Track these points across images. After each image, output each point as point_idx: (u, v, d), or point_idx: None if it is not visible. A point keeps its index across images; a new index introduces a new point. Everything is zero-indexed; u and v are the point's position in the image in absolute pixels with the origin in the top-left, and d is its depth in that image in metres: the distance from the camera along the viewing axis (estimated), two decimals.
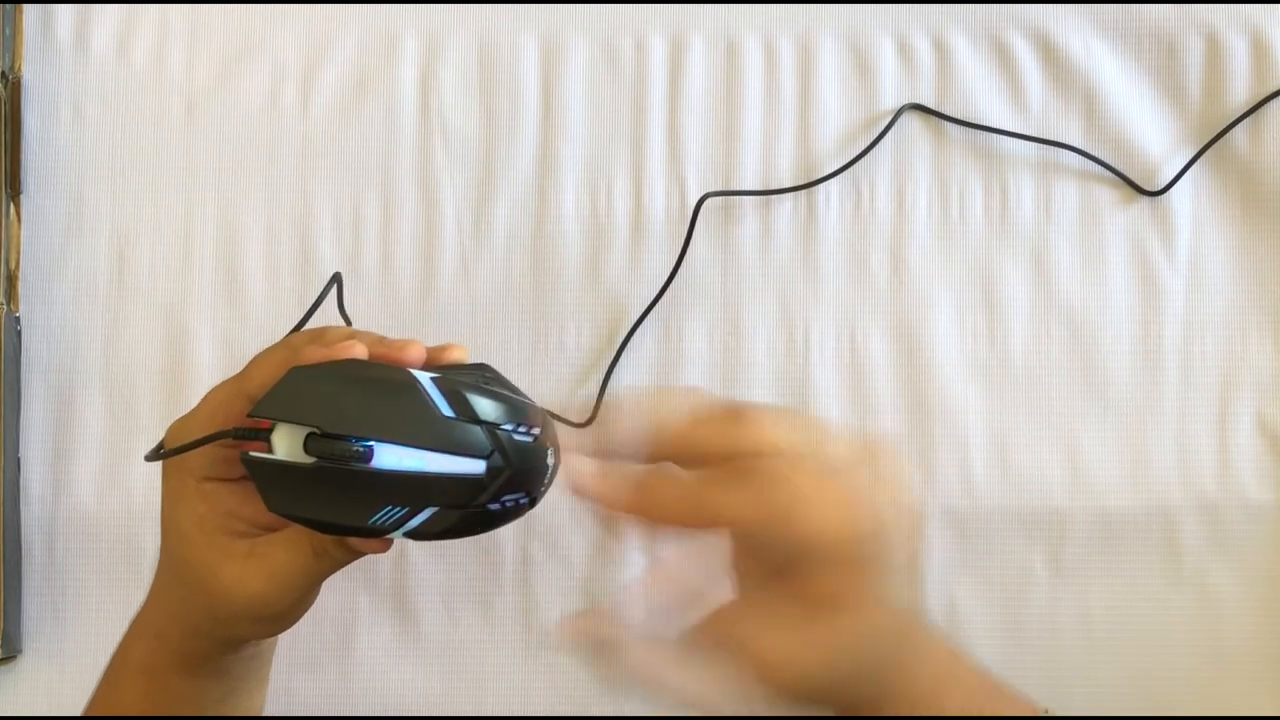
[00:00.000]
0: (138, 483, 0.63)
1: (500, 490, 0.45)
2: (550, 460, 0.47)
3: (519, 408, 0.46)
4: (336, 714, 0.62)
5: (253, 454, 0.45)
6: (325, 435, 0.44)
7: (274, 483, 0.45)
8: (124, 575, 0.63)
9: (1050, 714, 0.58)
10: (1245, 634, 0.62)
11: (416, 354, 0.47)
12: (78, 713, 0.62)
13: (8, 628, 0.61)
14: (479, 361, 0.49)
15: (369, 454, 0.44)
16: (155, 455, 0.47)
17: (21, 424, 0.63)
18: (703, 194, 0.63)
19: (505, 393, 0.47)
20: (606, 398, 0.63)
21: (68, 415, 0.64)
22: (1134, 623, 0.62)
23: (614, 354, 0.63)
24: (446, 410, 0.44)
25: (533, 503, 0.47)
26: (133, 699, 0.51)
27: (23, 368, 0.64)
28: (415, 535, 0.45)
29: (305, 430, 0.44)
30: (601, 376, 0.63)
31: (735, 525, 0.42)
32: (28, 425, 0.63)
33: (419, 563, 0.62)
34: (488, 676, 0.62)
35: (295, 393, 0.45)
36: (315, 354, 0.46)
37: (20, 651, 0.63)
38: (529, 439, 0.46)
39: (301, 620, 0.50)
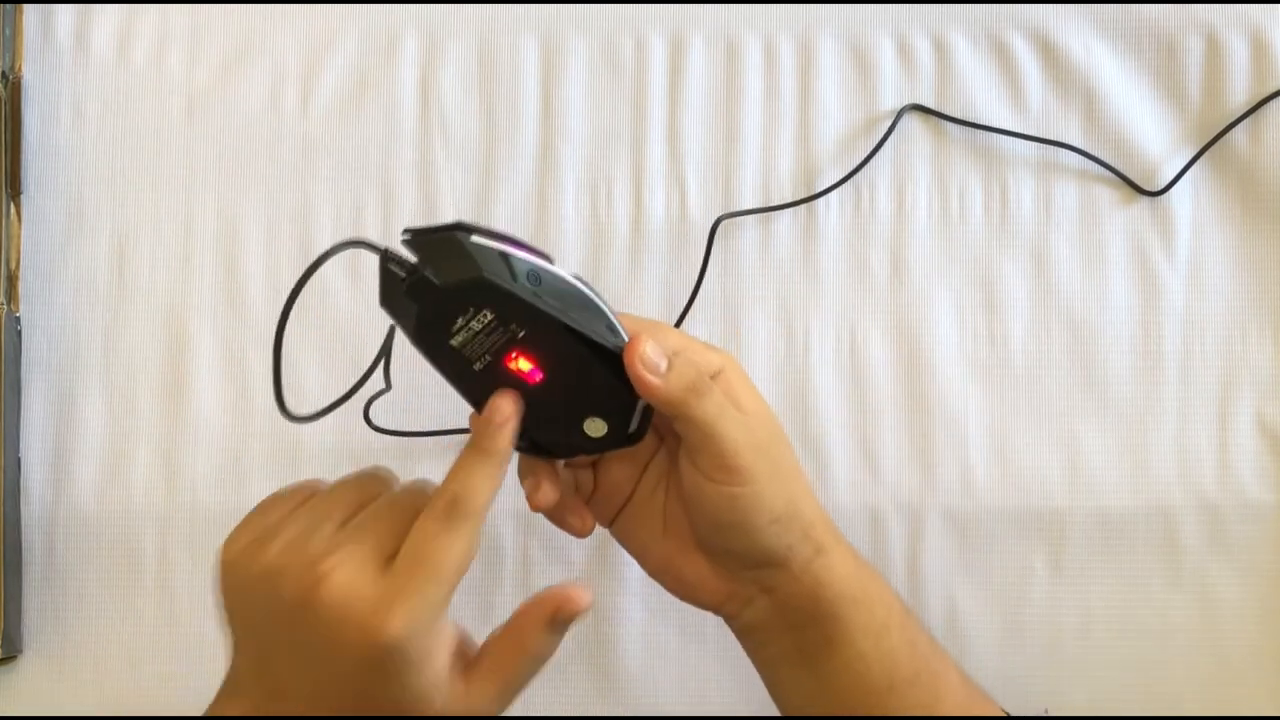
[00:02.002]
0: (138, 483, 0.63)
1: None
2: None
3: None
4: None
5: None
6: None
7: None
8: (124, 575, 0.63)
9: (1050, 714, 0.58)
10: (1245, 634, 0.62)
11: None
12: (78, 713, 0.62)
13: (8, 628, 0.61)
14: None
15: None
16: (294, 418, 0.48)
17: (21, 424, 0.63)
18: (714, 215, 0.63)
19: None
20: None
21: (68, 415, 0.64)
22: (1134, 623, 0.62)
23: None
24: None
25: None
26: None
27: (23, 368, 0.64)
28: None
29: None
30: None
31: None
32: (28, 425, 0.64)
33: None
34: None
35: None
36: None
37: (20, 651, 0.63)
38: None
39: None
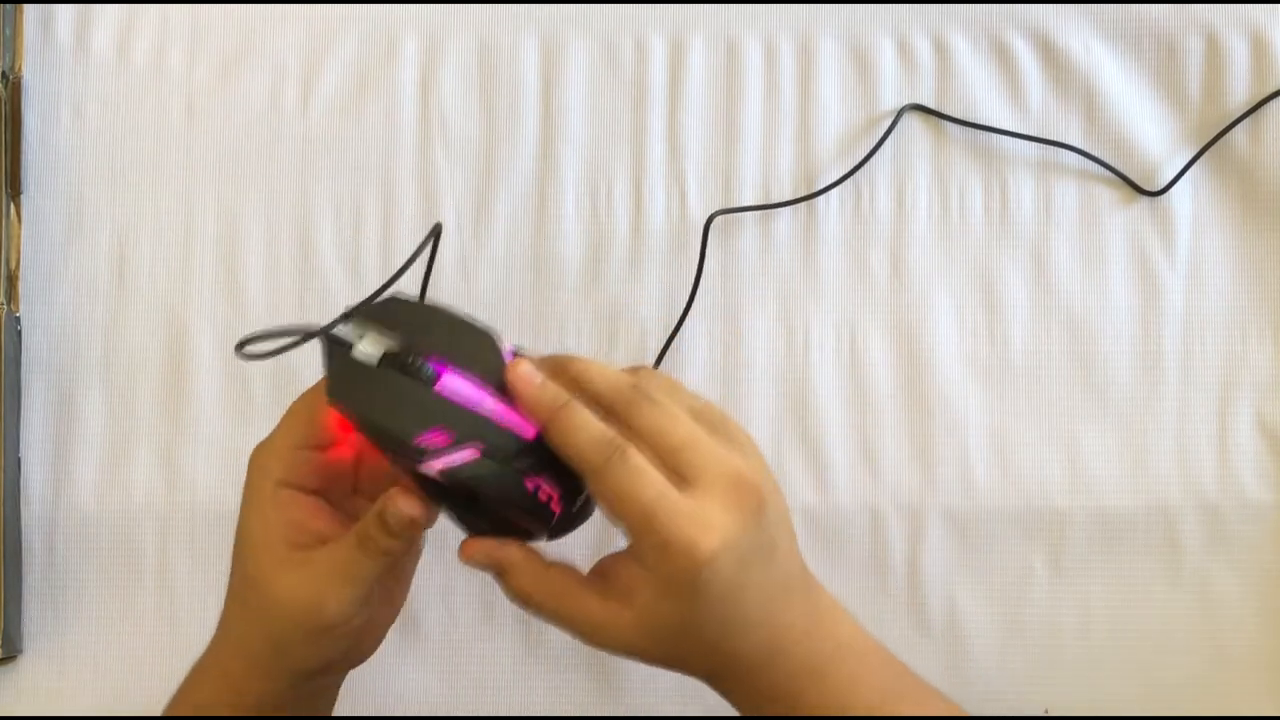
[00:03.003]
0: (138, 483, 0.63)
1: (541, 468, 0.46)
2: (588, 490, 0.47)
3: None
4: (337, 714, 0.62)
5: (335, 340, 0.47)
6: (402, 351, 0.46)
7: (346, 374, 0.47)
8: (124, 575, 0.63)
9: (1050, 714, 0.58)
10: (1245, 634, 0.62)
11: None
12: (78, 713, 0.62)
13: (8, 628, 0.61)
14: None
15: (436, 377, 0.46)
16: (246, 344, 0.47)
17: (21, 424, 0.63)
18: (711, 212, 0.63)
19: None
20: None
21: (68, 415, 0.64)
22: (1134, 623, 0.62)
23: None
24: None
25: (560, 523, 0.48)
26: None
27: (23, 368, 0.64)
28: (451, 475, 0.46)
29: (387, 343, 0.47)
30: None
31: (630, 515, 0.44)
32: (28, 425, 0.63)
33: (419, 562, 0.62)
34: (488, 676, 0.62)
35: (387, 311, 0.48)
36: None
37: (20, 651, 0.63)
38: None
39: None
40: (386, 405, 0.46)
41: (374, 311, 0.47)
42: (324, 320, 0.47)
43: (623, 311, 0.64)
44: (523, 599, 0.46)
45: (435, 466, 0.46)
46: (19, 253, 0.64)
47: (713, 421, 0.47)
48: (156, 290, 0.64)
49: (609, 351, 0.63)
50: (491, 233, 0.64)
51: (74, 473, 0.63)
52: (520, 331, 0.63)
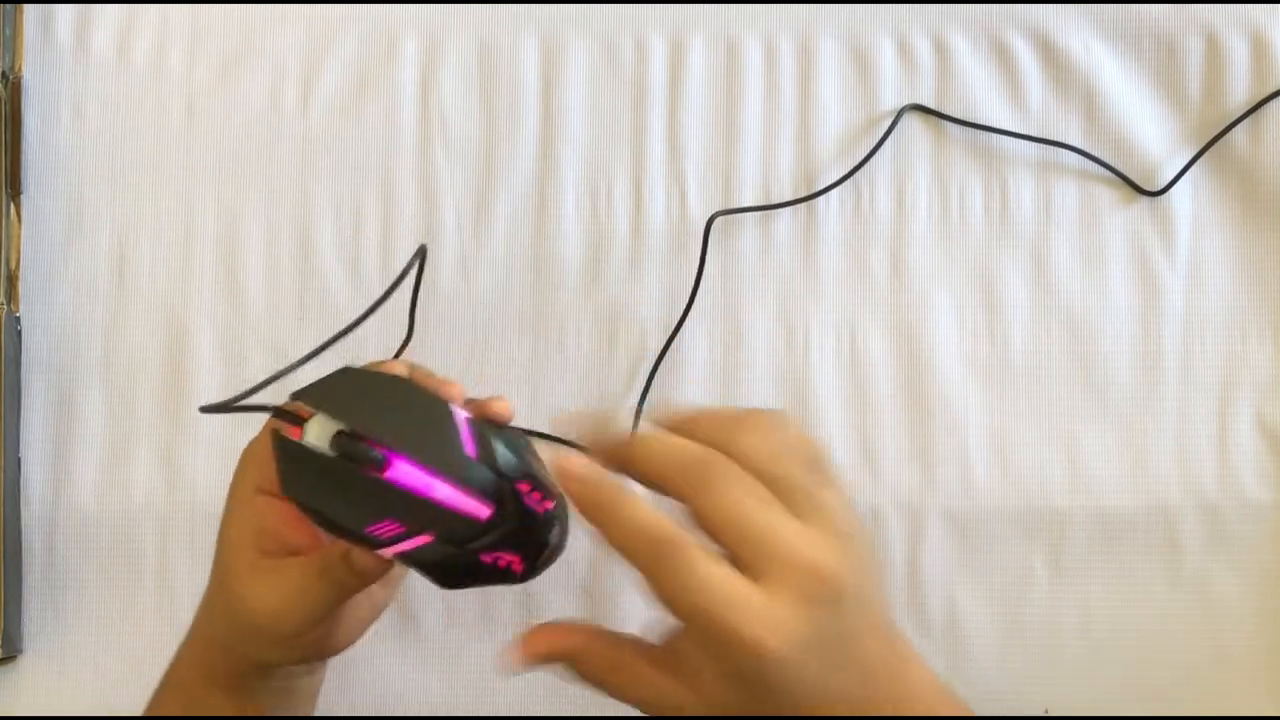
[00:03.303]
0: (138, 483, 0.63)
1: (496, 543, 0.46)
2: (554, 539, 0.48)
3: (538, 476, 0.47)
4: (337, 714, 0.62)
5: (282, 434, 0.46)
6: (353, 435, 0.45)
7: (294, 466, 0.46)
8: (124, 575, 0.63)
9: (1050, 714, 0.58)
10: (1245, 634, 0.62)
11: (454, 393, 0.48)
12: (78, 713, 0.62)
13: (8, 628, 0.61)
14: (520, 427, 0.50)
15: (385, 464, 0.45)
16: (207, 409, 0.48)
17: (21, 424, 0.63)
18: (711, 213, 0.63)
19: (530, 459, 0.48)
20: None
21: (68, 415, 0.64)
22: (1134, 623, 0.62)
23: (643, 387, 0.63)
24: (470, 449, 0.46)
25: (525, 574, 0.47)
26: (168, 710, 0.53)
27: (23, 368, 0.64)
28: (407, 560, 0.46)
29: (337, 426, 0.45)
30: (601, 383, 0.63)
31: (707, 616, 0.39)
32: (28, 425, 0.63)
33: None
34: (488, 676, 0.62)
35: (338, 389, 0.46)
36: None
37: (20, 651, 0.63)
38: (539, 509, 0.47)
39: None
40: (336, 496, 0.45)
41: (325, 389, 0.46)
42: (324, 319, 0.47)
43: (623, 311, 0.64)
44: (596, 683, 0.43)
45: (388, 553, 0.46)
46: (19, 253, 0.64)
47: (793, 485, 0.42)
48: (156, 290, 0.64)
49: (609, 351, 0.63)
50: (491, 233, 0.64)
51: (74, 473, 0.63)
52: (520, 331, 0.63)
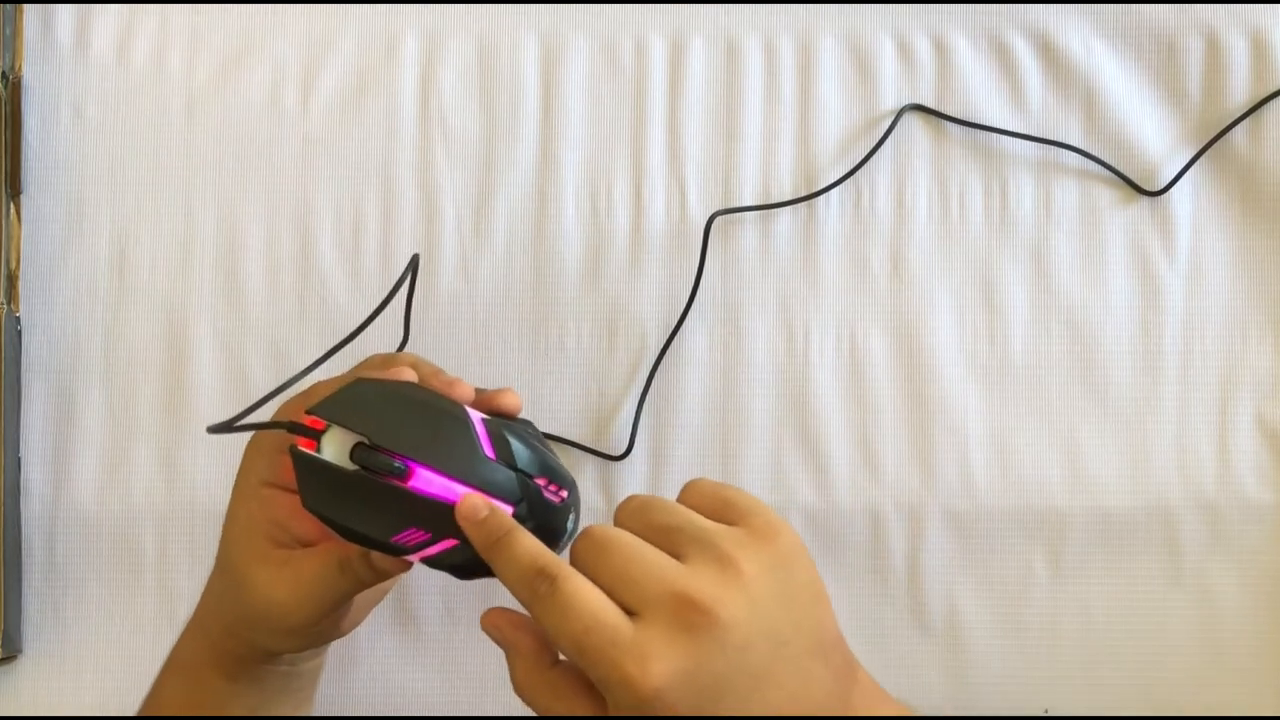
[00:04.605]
0: (138, 483, 0.63)
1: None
2: (570, 525, 0.49)
3: (554, 468, 0.48)
4: (336, 714, 0.62)
5: (300, 449, 0.46)
6: (372, 447, 0.45)
7: (313, 480, 0.46)
8: (124, 575, 0.63)
9: (1050, 714, 0.58)
10: (1245, 634, 0.62)
11: (463, 392, 0.48)
12: (78, 713, 0.62)
13: (8, 628, 0.61)
14: (525, 418, 0.51)
15: (408, 473, 0.45)
16: (214, 428, 0.47)
17: (21, 424, 0.63)
18: (711, 212, 0.63)
19: (544, 450, 0.49)
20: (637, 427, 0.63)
21: (68, 415, 0.64)
22: (1134, 623, 0.62)
23: (643, 386, 0.63)
24: (488, 451, 0.46)
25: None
26: (171, 694, 0.53)
27: (23, 368, 0.64)
28: (431, 563, 0.46)
29: (355, 438, 0.45)
30: (601, 383, 0.63)
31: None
32: (28, 425, 0.63)
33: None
34: (488, 676, 0.62)
35: (354, 401, 0.46)
36: (376, 374, 0.48)
37: (20, 651, 0.63)
38: (556, 499, 0.48)
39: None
40: (359, 508, 0.45)
41: (340, 402, 0.46)
42: (323, 319, 0.47)
43: (623, 311, 0.64)
44: (517, 688, 0.44)
45: (414, 559, 0.46)
46: (19, 253, 0.64)
47: (677, 529, 0.42)
48: (156, 290, 0.64)
49: (609, 351, 0.63)
50: (491, 233, 0.64)
51: (74, 473, 0.63)
52: (520, 331, 0.63)
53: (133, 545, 0.63)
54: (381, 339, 0.61)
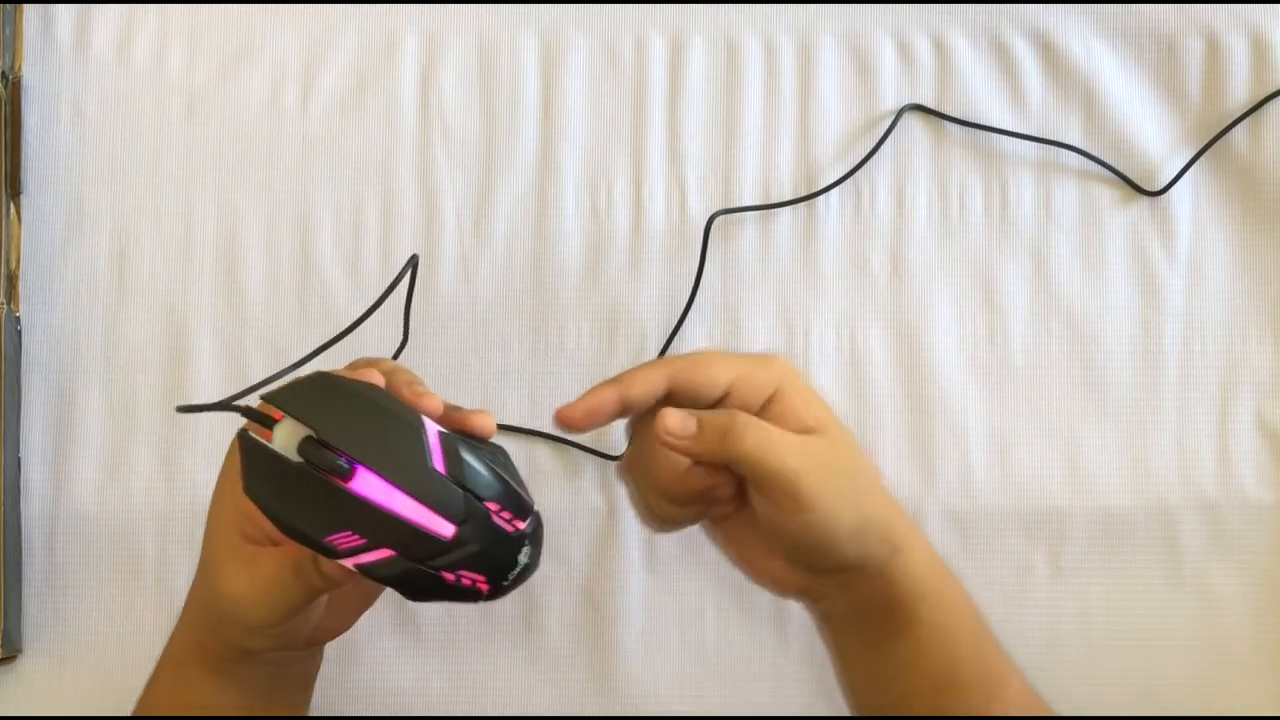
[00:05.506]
0: (138, 483, 0.63)
1: (460, 563, 0.45)
2: (524, 559, 0.47)
3: (512, 496, 0.46)
4: (336, 714, 0.62)
5: (249, 433, 0.46)
6: (320, 442, 0.44)
7: (258, 467, 0.46)
8: (124, 575, 0.63)
9: (1050, 714, 0.58)
10: (1245, 634, 0.62)
11: (430, 405, 0.47)
12: (78, 713, 0.62)
13: (8, 628, 0.61)
14: (499, 444, 0.49)
15: (350, 474, 0.44)
16: (183, 409, 0.47)
17: (21, 424, 0.63)
18: (711, 212, 0.63)
19: (506, 478, 0.47)
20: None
21: (68, 415, 0.64)
22: (1134, 623, 0.62)
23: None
24: (438, 464, 0.45)
25: (492, 594, 0.47)
26: (159, 689, 0.53)
27: (23, 368, 0.64)
28: (368, 572, 0.45)
29: (305, 431, 0.45)
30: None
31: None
32: (28, 425, 0.63)
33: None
34: (488, 676, 0.62)
35: (310, 394, 0.45)
36: (344, 372, 0.48)
37: (20, 651, 0.63)
38: (508, 528, 0.46)
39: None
40: (297, 502, 0.44)
41: (296, 393, 0.45)
42: (323, 319, 0.47)
43: (623, 311, 0.64)
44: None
45: (348, 563, 0.45)
46: (19, 253, 0.64)
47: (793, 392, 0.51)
48: (156, 290, 0.64)
49: (609, 351, 0.63)
50: (491, 233, 0.64)
51: (74, 473, 0.63)
52: (520, 331, 0.63)
53: (132, 545, 0.63)
54: (381, 339, 0.61)
